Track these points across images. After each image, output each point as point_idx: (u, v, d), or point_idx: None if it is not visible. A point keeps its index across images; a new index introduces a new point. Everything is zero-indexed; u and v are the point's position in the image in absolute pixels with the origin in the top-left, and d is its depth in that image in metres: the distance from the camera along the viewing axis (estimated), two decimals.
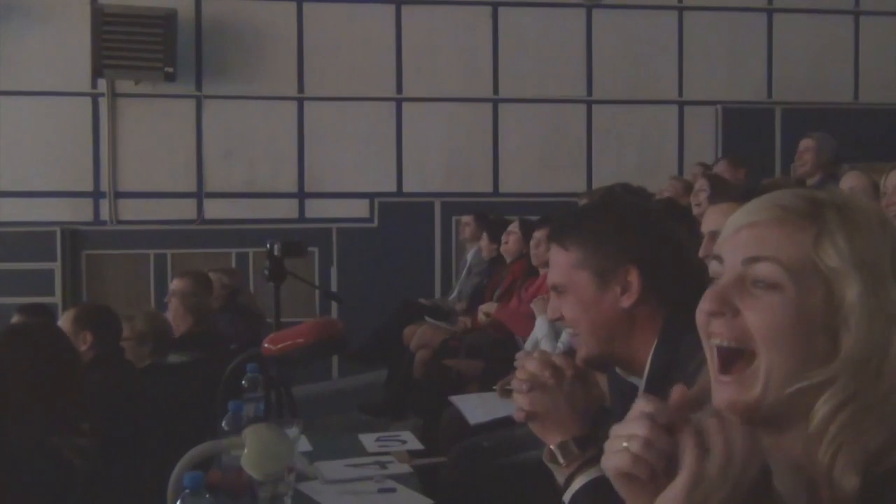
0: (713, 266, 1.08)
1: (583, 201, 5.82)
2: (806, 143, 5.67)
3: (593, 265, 1.73)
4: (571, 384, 1.64)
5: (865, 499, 0.94)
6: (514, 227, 5.66)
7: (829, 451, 0.96)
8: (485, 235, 6.26)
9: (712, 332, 1.05)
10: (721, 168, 5.91)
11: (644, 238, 1.77)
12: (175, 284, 4.49)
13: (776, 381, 0.99)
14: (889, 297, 0.98)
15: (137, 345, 3.91)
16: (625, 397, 1.83)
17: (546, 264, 4.65)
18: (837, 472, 0.95)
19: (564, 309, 1.76)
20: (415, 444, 3.15)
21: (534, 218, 5.66)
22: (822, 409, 0.97)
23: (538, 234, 4.88)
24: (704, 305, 1.04)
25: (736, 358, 1.02)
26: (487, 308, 5.08)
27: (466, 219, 6.88)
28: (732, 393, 1.02)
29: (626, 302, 1.71)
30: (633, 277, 1.71)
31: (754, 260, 1.02)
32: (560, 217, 1.90)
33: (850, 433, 0.95)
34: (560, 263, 1.76)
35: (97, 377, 3.04)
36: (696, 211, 4.19)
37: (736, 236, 1.05)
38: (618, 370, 1.81)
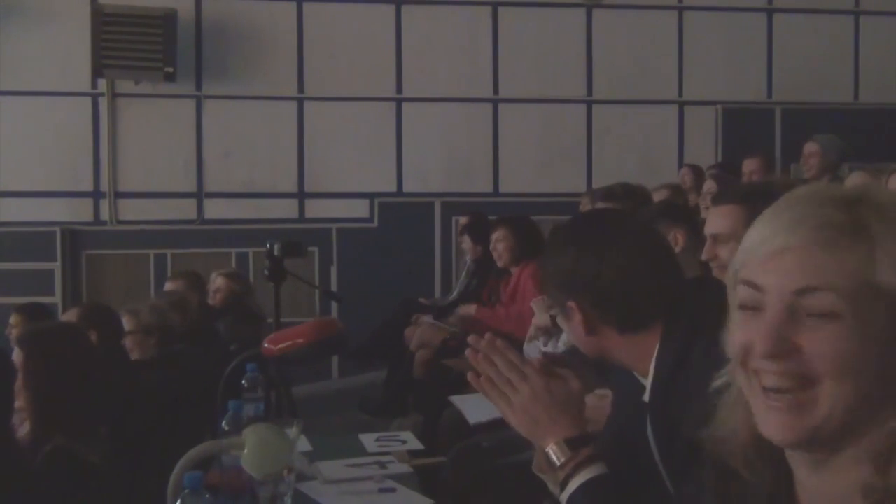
0: (745, 293, 0.98)
1: (583, 201, 5.83)
2: (810, 148, 5.61)
3: (554, 302, 1.86)
4: (559, 385, 1.64)
5: None
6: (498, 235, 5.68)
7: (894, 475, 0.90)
8: (466, 238, 6.26)
9: (760, 370, 0.96)
10: (754, 166, 5.75)
11: (582, 270, 1.76)
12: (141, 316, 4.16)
13: (843, 409, 0.93)
14: None
15: (143, 337, 3.93)
16: (629, 395, 1.83)
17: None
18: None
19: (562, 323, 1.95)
20: (415, 444, 3.15)
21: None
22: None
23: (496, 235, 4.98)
24: (759, 347, 0.95)
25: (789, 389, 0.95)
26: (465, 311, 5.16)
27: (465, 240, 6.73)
28: (786, 419, 0.94)
29: (584, 330, 1.77)
30: (575, 311, 1.76)
31: (807, 290, 0.93)
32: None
33: None
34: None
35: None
36: (704, 214, 4.18)
37: (778, 262, 0.95)
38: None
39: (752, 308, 0.97)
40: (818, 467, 0.98)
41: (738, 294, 0.99)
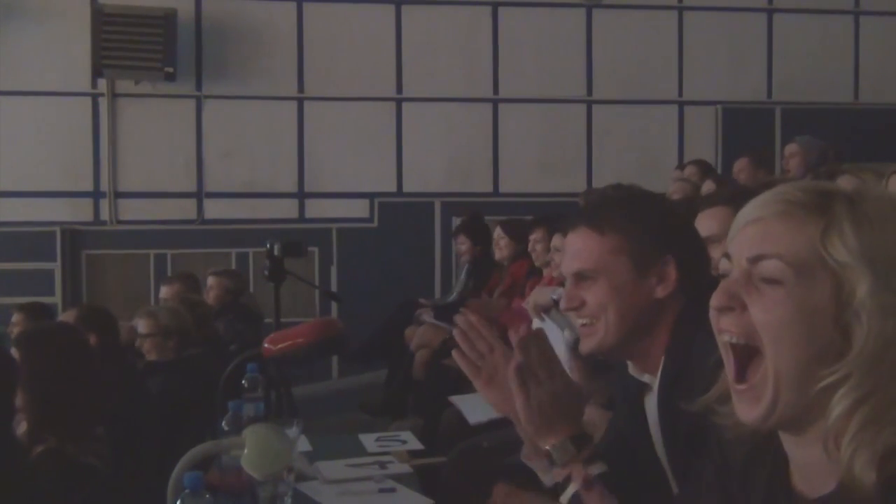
0: (723, 263, 1.07)
1: (582, 201, 5.82)
2: (790, 149, 5.70)
3: (633, 252, 1.70)
4: (560, 382, 1.63)
5: (884, 496, 0.92)
6: (499, 232, 5.67)
7: (850, 449, 0.94)
8: (463, 237, 6.25)
9: (722, 329, 1.04)
10: (741, 167, 5.82)
11: (682, 231, 1.77)
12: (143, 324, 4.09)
13: (786, 382, 0.98)
14: None
15: (162, 340, 3.92)
16: (631, 395, 1.83)
17: (548, 264, 4.66)
18: (857, 470, 0.93)
19: (590, 295, 1.71)
20: (415, 444, 3.15)
21: (525, 218, 5.67)
22: (837, 406, 0.95)
23: (535, 236, 4.88)
24: (713, 301, 1.04)
25: (749, 358, 1.01)
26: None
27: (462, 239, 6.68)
28: (747, 404, 1.01)
29: (661, 293, 1.70)
30: (671, 268, 1.69)
31: (759, 258, 1.01)
32: (594, 203, 1.86)
33: (869, 431, 0.93)
34: (591, 249, 1.71)
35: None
36: None
37: (742, 233, 1.04)
38: (630, 368, 1.80)
39: (725, 276, 1.06)
40: (798, 446, 1.02)
41: (721, 267, 1.08)
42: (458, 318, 1.71)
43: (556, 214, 4.94)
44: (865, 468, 0.93)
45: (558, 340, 3.71)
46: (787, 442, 1.04)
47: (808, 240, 0.98)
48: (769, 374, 0.99)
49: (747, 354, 1.01)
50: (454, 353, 1.69)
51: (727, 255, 1.06)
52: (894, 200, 1.01)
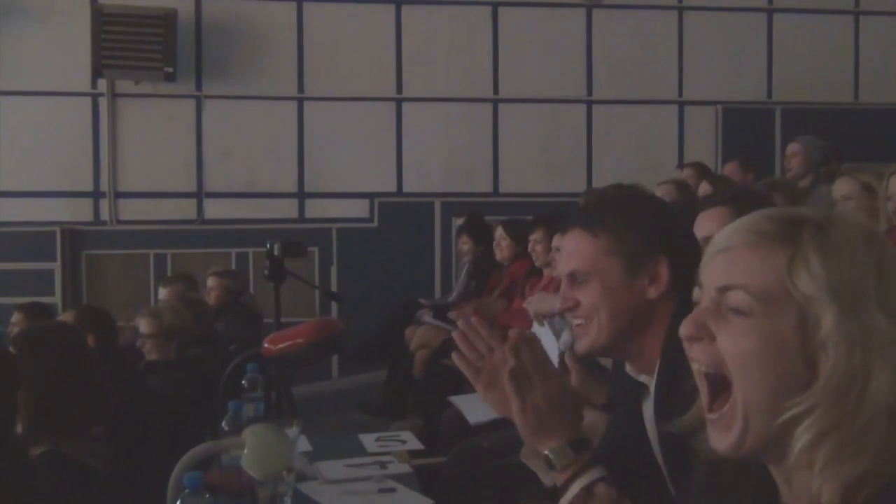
0: (696, 291, 1.07)
1: (581, 201, 5.83)
2: (792, 149, 5.71)
3: (625, 253, 1.72)
4: (555, 386, 1.63)
5: None
6: (500, 232, 5.67)
7: (817, 483, 0.94)
8: (466, 237, 6.25)
9: (693, 357, 1.04)
10: (730, 170, 5.86)
11: (673, 231, 1.77)
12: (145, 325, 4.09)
13: (755, 412, 0.98)
14: (871, 322, 0.94)
15: (165, 340, 3.92)
16: (629, 396, 1.83)
17: (548, 264, 4.67)
18: (825, 502, 0.93)
19: (583, 296, 1.73)
20: (415, 443, 3.15)
21: (524, 218, 5.68)
22: (802, 437, 0.94)
23: (535, 236, 4.88)
24: (682, 330, 1.04)
25: (721, 387, 1.01)
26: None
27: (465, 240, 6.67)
28: (719, 433, 1.01)
29: (654, 293, 1.71)
30: (663, 268, 1.71)
31: (726, 288, 1.01)
32: (589, 204, 1.89)
33: (835, 464, 0.93)
34: (585, 250, 1.74)
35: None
36: None
37: (712, 262, 1.04)
38: (627, 368, 1.80)
39: (697, 304, 1.06)
40: (777, 475, 1.03)
41: (693, 294, 1.08)
42: (459, 322, 1.71)
43: (556, 214, 4.95)
44: (832, 501, 0.93)
45: (552, 345, 3.72)
46: (774, 473, 1.04)
47: (774, 271, 0.98)
48: (738, 403, 0.99)
49: (720, 383, 1.01)
50: (454, 355, 1.69)
51: (698, 283, 1.06)
52: (864, 228, 1.01)
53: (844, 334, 0.94)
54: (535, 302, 3.80)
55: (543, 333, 3.90)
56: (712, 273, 1.04)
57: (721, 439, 1.01)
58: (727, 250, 1.03)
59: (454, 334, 1.70)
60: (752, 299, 0.98)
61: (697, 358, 1.03)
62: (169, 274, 6.70)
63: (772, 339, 0.97)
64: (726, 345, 0.99)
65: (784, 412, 0.96)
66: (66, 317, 3.52)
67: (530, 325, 4.24)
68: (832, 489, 0.93)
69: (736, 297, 0.99)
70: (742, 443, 0.99)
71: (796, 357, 0.96)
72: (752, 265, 1.00)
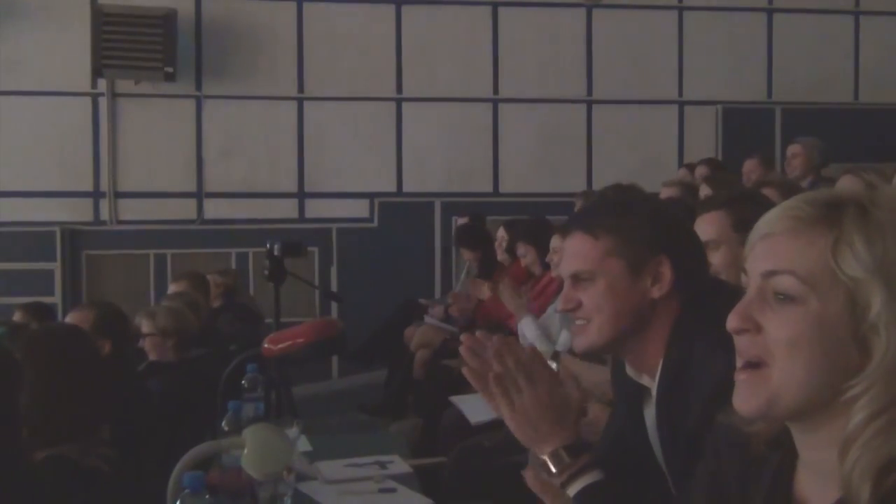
0: (743, 278, 1.07)
1: (577, 203, 5.82)
2: (794, 150, 5.72)
3: (627, 254, 1.72)
4: (560, 391, 1.63)
5: None
6: (501, 233, 5.67)
7: (856, 457, 0.94)
8: (462, 249, 6.24)
9: (740, 350, 1.04)
10: (750, 167, 5.82)
11: (675, 231, 1.78)
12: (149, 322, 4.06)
13: (793, 388, 0.99)
14: None
15: (161, 340, 3.90)
16: (630, 398, 1.82)
17: (532, 275, 4.69)
18: (856, 478, 0.94)
19: (586, 296, 1.73)
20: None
21: (521, 218, 5.68)
22: (857, 415, 0.95)
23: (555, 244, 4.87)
24: (729, 324, 1.04)
25: (755, 364, 1.02)
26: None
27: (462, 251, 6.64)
28: (743, 396, 1.02)
29: (657, 293, 1.71)
30: (666, 268, 1.71)
31: (772, 273, 1.01)
32: (589, 206, 1.88)
33: (880, 441, 0.94)
34: (587, 252, 1.74)
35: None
36: None
37: (755, 249, 1.04)
38: (628, 370, 1.80)
39: (745, 291, 1.06)
40: (811, 448, 1.03)
41: (742, 281, 1.08)
42: (463, 336, 1.69)
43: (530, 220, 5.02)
44: (862, 477, 0.93)
45: (536, 339, 3.73)
46: (801, 443, 1.04)
47: (818, 255, 0.98)
48: (772, 377, 1.00)
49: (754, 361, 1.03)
50: (464, 370, 1.68)
51: (744, 270, 1.06)
52: None
53: (895, 314, 0.94)
54: (520, 334, 3.88)
55: (527, 325, 3.92)
56: (756, 260, 1.04)
57: (745, 403, 1.02)
58: (768, 237, 1.03)
59: (461, 349, 1.69)
60: (800, 283, 0.98)
61: (746, 350, 1.02)
62: (169, 274, 6.70)
63: (822, 323, 0.97)
64: (776, 332, 0.99)
65: (835, 392, 0.97)
66: (83, 317, 3.42)
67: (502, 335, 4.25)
68: (866, 467, 0.93)
69: (783, 282, 0.99)
70: (768, 411, 1.01)
71: (847, 338, 0.96)
72: (796, 250, 0.99)
